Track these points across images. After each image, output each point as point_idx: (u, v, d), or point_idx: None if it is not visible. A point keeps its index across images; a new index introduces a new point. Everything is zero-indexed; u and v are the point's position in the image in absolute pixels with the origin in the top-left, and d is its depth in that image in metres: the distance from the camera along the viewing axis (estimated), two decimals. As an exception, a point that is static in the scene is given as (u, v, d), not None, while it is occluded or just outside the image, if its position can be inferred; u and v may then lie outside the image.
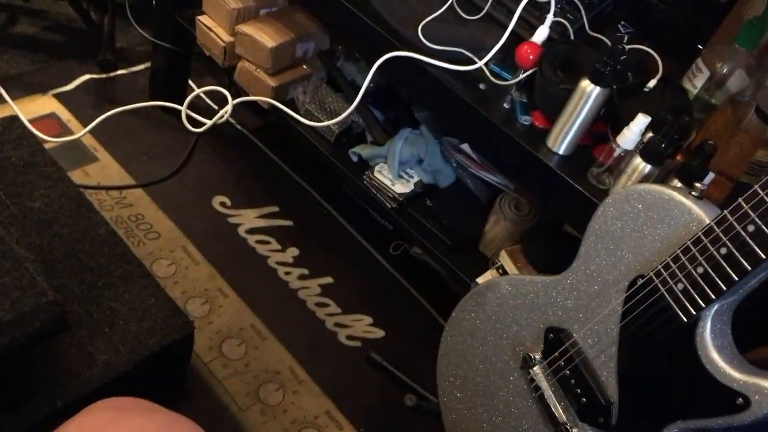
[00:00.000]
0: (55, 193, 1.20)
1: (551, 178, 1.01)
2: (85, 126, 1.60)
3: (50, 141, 1.55)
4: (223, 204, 1.64)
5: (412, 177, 1.35)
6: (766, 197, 0.70)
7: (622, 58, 0.95)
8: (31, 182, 1.20)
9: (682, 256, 0.78)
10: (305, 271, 1.57)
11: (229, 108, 1.34)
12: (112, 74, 1.80)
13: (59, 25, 1.85)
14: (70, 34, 1.85)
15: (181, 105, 1.56)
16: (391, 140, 1.37)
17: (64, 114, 1.67)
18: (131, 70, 1.84)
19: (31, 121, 1.59)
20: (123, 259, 1.17)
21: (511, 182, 1.27)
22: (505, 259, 1.21)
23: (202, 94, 1.55)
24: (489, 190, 1.34)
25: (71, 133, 1.62)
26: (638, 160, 0.92)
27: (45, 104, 1.68)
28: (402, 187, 1.33)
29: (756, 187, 0.71)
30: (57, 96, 1.71)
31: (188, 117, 1.57)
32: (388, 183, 1.33)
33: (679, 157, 1.02)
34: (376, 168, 1.35)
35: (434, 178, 1.35)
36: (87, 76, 1.76)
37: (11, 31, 1.80)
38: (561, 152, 1.02)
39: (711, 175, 0.93)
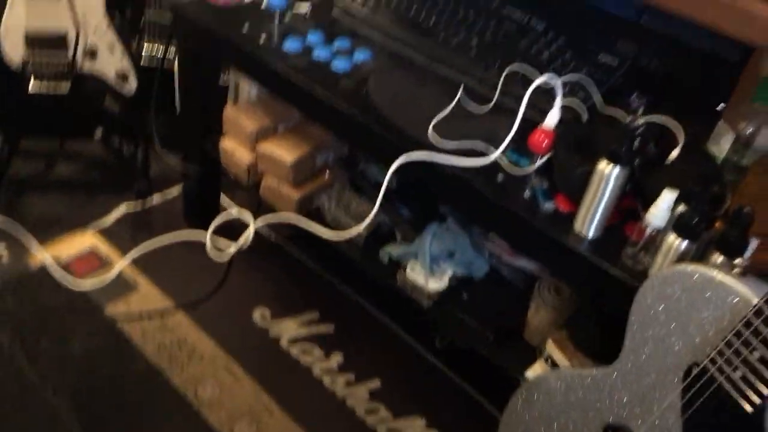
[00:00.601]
0: (94, 333, 1.22)
1: (584, 264, 0.97)
2: (124, 257, 1.65)
3: (89, 279, 1.59)
4: (263, 317, 1.63)
5: (445, 271, 1.33)
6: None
7: (636, 134, 0.93)
8: (70, 326, 1.23)
9: (734, 341, 0.73)
10: (351, 377, 1.54)
11: (250, 232, 1.36)
12: (147, 202, 1.86)
13: (94, 163, 1.94)
14: (105, 169, 1.93)
15: (216, 222, 1.57)
16: (420, 237, 1.36)
17: (104, 248, 1.72)
18: (166, 194, 1.90)
19: (71, 260, 1.65)
20: (163, 393, 1.16)
21: (543, 269, 1.23)
22: (552, 349, 1.15)
23: (234, 211, 1.57)
24: (526, 275, 1.31)
25: (111, 266, 1.66)
26: (672, 237, 0.88)
27: (85, 241, 1.73)
28: (436, 284, 1.30)
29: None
30: (97, 231, 1.76)
31: (221, 232, 1.59)
32: (421, 281, 1.31)
33: (718, 225, 0.98)
34: (408, 266, 1.33)
35: (468, 269, 1.33)
36: (124, 208, 1.82)
37: (50, 175, 1.89)
38: (590, 236, 0.98)
39: (754, 243, 0.88)
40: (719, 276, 0.75)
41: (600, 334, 1.12)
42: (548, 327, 1.22)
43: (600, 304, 1.05)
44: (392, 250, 1.37)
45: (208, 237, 1.44)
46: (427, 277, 1.31)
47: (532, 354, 1.23)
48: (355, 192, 1.46)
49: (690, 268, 0.78)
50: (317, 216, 1.46)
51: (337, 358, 1.57)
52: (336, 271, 1.75)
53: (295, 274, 1.75)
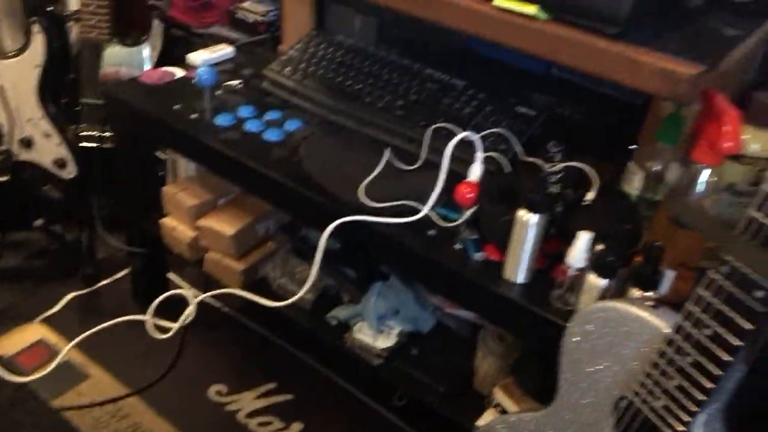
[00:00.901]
0: (41, 426, 1.18)
1: (516, 310, 1.00)
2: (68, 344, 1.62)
3: (35, 372, 1.55)
4: (219, 392, 1.61)
5: (392, 329, 1.34)
6: (711, 299, 0.69)
7: (553, 181, 0.97)
8: (17, 421, 1.20)
9: (653, 372, 0.75)
10: (313, 445, 1.52)
11: (191, 310, 1.35)
12: (96, 286, 1.84)
13: (38, 252, 1.92)
14: (51, 257, 1.92)
15: (156, 302, 1.56)
16: (365, 297, 1.37)
17: (52, 337, 1.69)
18: (114, 277, 1.88)
19: (19, 353, 1.61)
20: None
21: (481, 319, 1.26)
22: (500, 396, 1.17)
23: (176, 289, 1.57)
24: (471, 325, 1.33)
25: (59, 355, 1.63)
26: (592, 276, 0.92)
27: (33, 332, 1.70)
28: (384, 342, 1.31)
29: (698, 290, 0.70)
30: (45, 320, 1.73)
31: (171, 311, 1.58)
32: (370, 341, 1.32)
33: (638, 259, 1.02)
34: (356, 328, 1.34)
35: (414, 325, 1.34)
36: (71, 295, 1.80)
37: (-6, 268, 1.86)
38: (519, 281, 1.02)
39: (669, 274, 0.93)
40: (632, 310, 0.79)
41: (544, 376, 1.13)
42: (496, 374, 1.23)
43: (539, 347, 1.08)
44: (339, 313, 1.38)
45: (148, 318, 1.43)
46: (375, 336, 1.32)
47: (483, 403, 1.24)
48: (298, 258, 1.47)
49: (605, 305, 0.81)
50: (263, 285, 1.47)
51: (297, 427, 1.55)
52: (289, 339, 1.74)
53: (249, 344, 1.74)
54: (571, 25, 0.97)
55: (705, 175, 0.98)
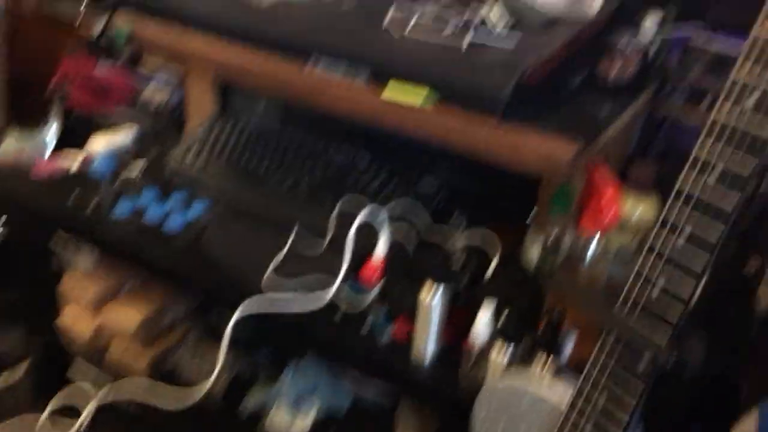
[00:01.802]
0: None
1: (426, 390, 1.00)
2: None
3: None
4: (129, 496, 1.51)
5: (310, 408, 1.31)
6: (606, 361, 0.72)
7: (453, 258, 0.99)
8: None
9: (557, 445, 0.77)
10: None
11: (87, 413, 1.26)
12: (-10, 386, 1.71)
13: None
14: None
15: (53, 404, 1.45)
16: (279, 378, 1.34)
17: (-60, 448, 1.55)
18: (13, 375, 1.75)
19: None
20: None
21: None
22: (421, 472, 1.15)
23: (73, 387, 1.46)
24: (389, 395, 1.31)
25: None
26: (496, 349, 0.93)
27: None
28: (301, 423, 1.28)
29: (595, 352, 0.73)
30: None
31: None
32: (286, 426, 1.28)
33: (541, 327, 1.04)
34: (270, 414, 1.30)
35: (332, 401, 1.32)
36: (-38, 398, 1.66)
37: None
38: (427, 361, 1.02)
39: (572, 336, 0.95)
40: (528, 388, 0.80)
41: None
42: (417, 448, 1.22)
43: (453, 423, 1.08)
44: (253, 399, 1.34)
45: (40, 424, 1.32)
46: (291, 420, 1.29)
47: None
48: (213, 341, 1.43)
49: (502, 383, 0.83)
50: (174, 375, 1.41)
51: None
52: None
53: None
54: (456, 111, 1.01)
55: (595, 241, 1.03)
